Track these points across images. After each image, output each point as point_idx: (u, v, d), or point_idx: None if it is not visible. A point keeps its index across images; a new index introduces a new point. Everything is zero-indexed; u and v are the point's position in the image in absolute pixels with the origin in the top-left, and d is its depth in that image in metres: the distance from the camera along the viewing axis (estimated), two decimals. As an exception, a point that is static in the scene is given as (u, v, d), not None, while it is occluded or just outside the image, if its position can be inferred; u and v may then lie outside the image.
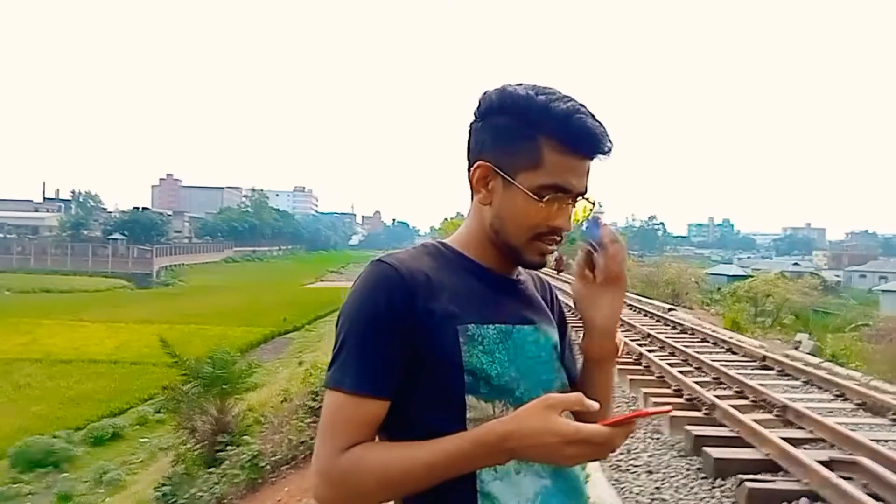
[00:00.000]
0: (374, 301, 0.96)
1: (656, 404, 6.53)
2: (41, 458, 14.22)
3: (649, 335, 11.21)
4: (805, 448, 5.05)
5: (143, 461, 15.00)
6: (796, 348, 11.76)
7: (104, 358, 23.88)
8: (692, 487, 4.69)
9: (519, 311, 1.07)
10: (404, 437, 0.96)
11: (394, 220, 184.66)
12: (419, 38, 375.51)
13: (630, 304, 17.64)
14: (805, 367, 8.48)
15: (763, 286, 23.12)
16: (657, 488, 4.67)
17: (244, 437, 11.30)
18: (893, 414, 6.18)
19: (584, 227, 1.04)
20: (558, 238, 1.04)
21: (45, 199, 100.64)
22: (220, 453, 11.01)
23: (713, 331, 12.56)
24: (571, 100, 0.99)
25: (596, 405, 0.89)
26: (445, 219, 51.89)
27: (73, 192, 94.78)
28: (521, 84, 1.02)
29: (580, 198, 1.02)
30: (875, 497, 4.04)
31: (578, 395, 0.91)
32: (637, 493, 4.57)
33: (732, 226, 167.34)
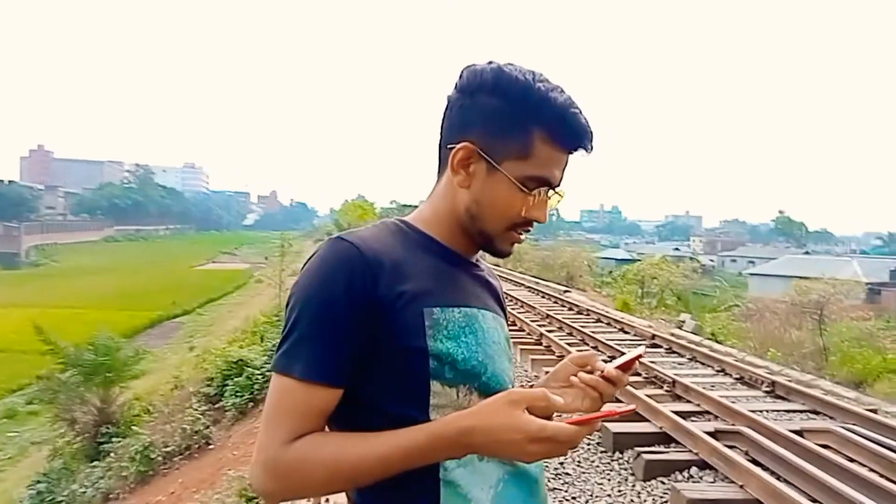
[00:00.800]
0: (332, 281, 0.90)
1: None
2: None
3: (548, 316, 11.62)
4: (693, 420, 5.43)
5: (13, 457, 13.79)
6: (680, 327, 12.63)
7: None
8: (593, 461, 4.91)
9: (482, 297, 1.04)
10: (361, 426, 0.90)
11: (291, 200, 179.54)
12: (316, 8, 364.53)
13: (528, 286, 18.24)
14: (689, 345, 9.11)
15: (649, 269, 24.65)
16: (560, 464, 4.85)
17: (132, 427, 10.63)
18: (766, 386, 6.78)
19: (631, 352, 1.00)
20: (529, 229, 1.01)
21: None
22: (105, 445, 10.33)
23: (606, 311, 13.22)
24: (564, 91, 0.97)
25: (560, 401, 0.87)
26: (346, 200, 51.02)
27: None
28: (514, 66, 0.97)
29: (554, 189, 1.00)
30: (755, 462, 4.41)
31: (543, 390, 0.88)
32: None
33: (620, 212, 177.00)
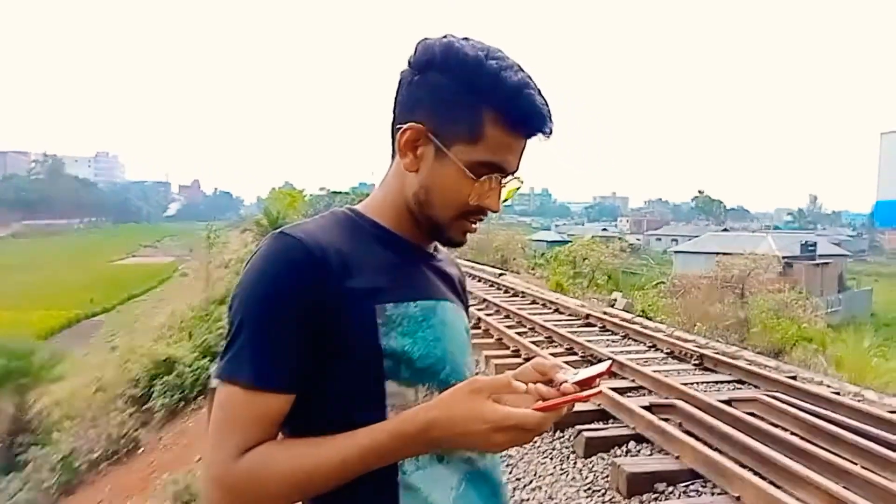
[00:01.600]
0: (277, 281, 0.84)
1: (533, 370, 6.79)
2: None
3: (485, 300, 11.71)
4: (629, 396, 5.59)
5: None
6: (612, 305, 13.02)
7: None
8: (535, 442, 4.97)
9: (440, 288, 0.98)
10: (315, 432, 0.84)
11: (215, 189, 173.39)
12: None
13: (464, 271, 18.31)
14: (622, 323, 9.39)
15: (581, 250, 25.29)
16: (503, 445, 4.89)
17: (51, 435, 10.04)
18: (695, 360, 7.06)
19: (595, 369, 0.88)
20: (483, 217, 0.95)
21: None
22: (22, 456, 9.70)
23: (541, 293, 13.46)
24: (521, 70, 0.89)
25: (524, 387, 0.82)
26: (273, 188, 49.67)
27: None
28: (468, 40, 0.89)
29: (510, 176, 0.93)
30: (689, 433, 4.58)
31: (507, 377, 0.84)
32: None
33: (550, 195, 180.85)
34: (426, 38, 0.92)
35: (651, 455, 4.43)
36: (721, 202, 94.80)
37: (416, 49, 0.92)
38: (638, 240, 64.16)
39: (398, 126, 0.92)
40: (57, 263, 48.09)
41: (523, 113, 0.88)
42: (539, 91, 0.90)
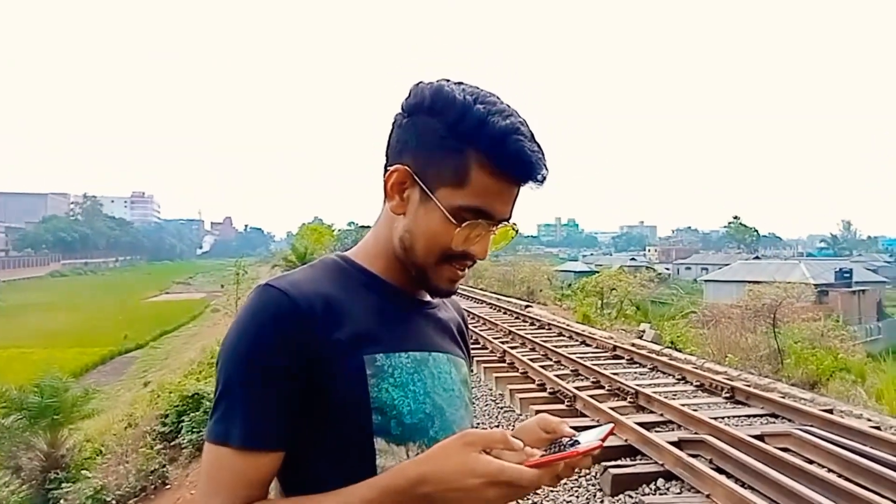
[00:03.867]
0: (261, 336, 0.82)
1: (537, 412, 6.72)
2: None
3: (510, 332, 11.62)
4: (657, 431, 5.45)
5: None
6: (640, 337, 12.79)
7: None
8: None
9: (433, 338, 0.95)
10: (307, 490, 0.82)
11: (246, 225, 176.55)
12: (269, 29, 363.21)
13: (489, 303, 18.26)
14: (650, 355, 9.22)
15: (608, 280, 25.02)
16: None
17: (83, 471, 10.13)
18: (726, 392, 6.88)
19: (594, 430, 0.85)
20: (470, 264, 0.92)
21: None
22: (54, 492, 9.79)
23: (567, 325, 13.32)
24: (512, 115, 0.87)
25: (520, 444, 0.79)
26: (303, 224, 50.42)
27: None
28: (461, 84, 0.89)
29: (502, 223, 0.90)
30: (719, 470, 4.44)
31: (502, 432, 0.80)
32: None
33: (577, 225, 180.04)
34: (420, 82, 0.91)
35: (680, 493, 4.31)
36: (754, 229, 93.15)
37: (409, 92, 0.91)
38: (667, 269, 63.26)
39: (386, 168, 0.92)
40: (93, 301, 49.17)
41: (510, 159, 0.85)
42: (531, 137, 0.87)
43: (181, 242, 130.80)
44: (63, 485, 9.88)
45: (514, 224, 0.93)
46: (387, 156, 0.93)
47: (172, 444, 10.45)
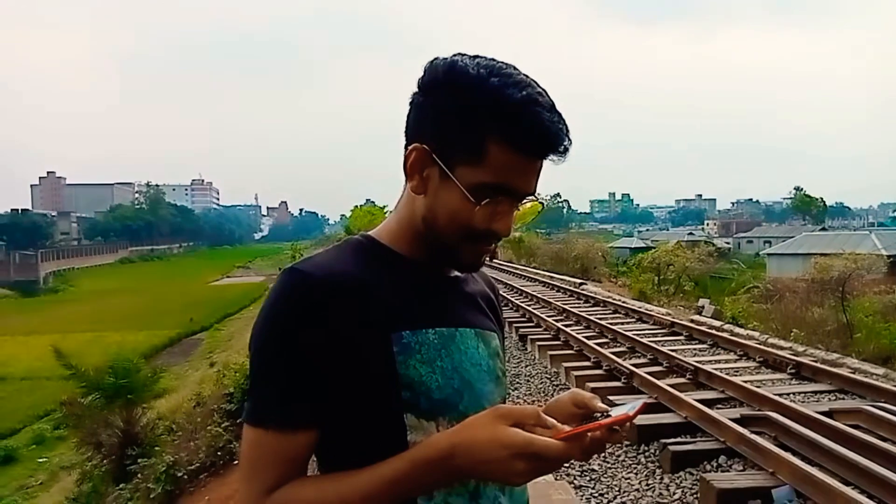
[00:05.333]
0: (286, 318, 0.84)
1: (592, 389, 6.67)
2: None
3: (564, 310, 11.52)
4: (719, 408, 5.33)
5: (44, 483, 13.91)
6: (699, 313, 12.46)
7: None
8: (619, 455, 4.83)
9: (460, 313, 0.95)
10: (344, 467, 0.84)
11: (301, 209, 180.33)
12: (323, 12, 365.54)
13: (543, 281, 18.13)
14: (710, 331, 8.99)
15: (665, 256, 24.40)
16: (586, 460, 4.77)
17: (156, 447, 10.67)
18: (791, 368, 6.65)
19: (625, 405, 0.85)
20: (496, 241, 0.91)
21: None
22: (131, 467, 10.36)
23: (623, 301, 13.10)
24: (529, 86, 0.84)
25: (552, 421, 0.79)
26: (355, 206, 51.07)
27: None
28: (476, 58, 0.87)
29: (527, 198, 0.89)
30: (784, 447, 4.31)
31: (535, 408, 0.80)
32: (568, 466, 4.65)
33: (632, 200, 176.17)
34: (435, 59, 0.89)
35: (743, 471, 4.21)
36: (820, 199, 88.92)
37: (424, 70, 0.89)
38: (727, 243, 61.26)
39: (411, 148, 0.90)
40: (160, 286, 51.40)
41: (528, 132, 0.83)
42: (550, 108, 0.84)
43: (240, 227, 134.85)
44: (139, 460, 10.45)
45: (541, 197, 0.91)
46: (406, 136, 0.91)
47: (238, 421, 10.88)
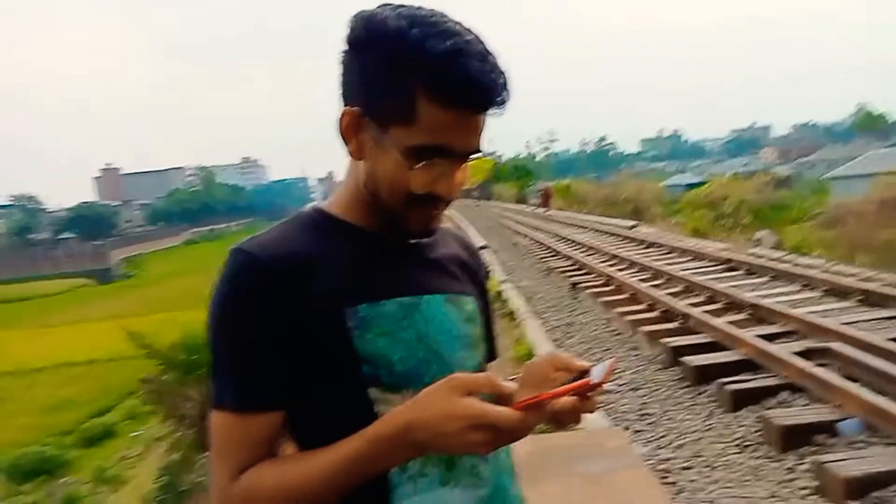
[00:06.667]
0: (236, 300, 0.82)
1: (648, 333, 6.56)
2: (36, 467, 14.14)
3: (615, 255, 11.35)
4: (779, 342, 5.18)
5: (140, 454, 14.96)
6: (757, 245, 12.07)
7: (80, 359, 23.49)
8: (677, 397, 4.79)
9: (424, 280, 0.91)
10: (314, 446, 0.83)
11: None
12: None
13: (594, 229, 17.85)
14: (768, 264, 8.69)
15: (720, 189, 23.61)
16: (643, 403, 4.76)
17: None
18: (859, 296, 6.38)
19: (597, 367, 0.80)
20: (444, 203, 0.86)
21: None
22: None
23: (677, 241, 12.79)
24: (456, 34, 0.78)
25: (511, 387, 0.76)
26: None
27: (12, 197, 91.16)
28: (399, 8, 0.81)
29: (472, 156, 0.84)
30: (851, 379, 4.18)
31: (487, 375, 0.77)
32: (624, 411, 4.65)
33: (681, 136, 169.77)
34: (359, 12, 0.83)
35: (807, 405, 4.10)
36: (884, 115, 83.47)
37: (348, 24, 0.84)
38: (787, 171, 58.57)
39: (341, 111, 0.86)
40: (222, 264, 53.42)
41: (455, 84, 0.77)
42: (480, 57, 0.78)
43: (291, 201, 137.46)
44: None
45: (486, 154, 0.85)
46: (342, 96, 0.86)
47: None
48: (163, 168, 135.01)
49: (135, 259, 67.21)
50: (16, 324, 32.89)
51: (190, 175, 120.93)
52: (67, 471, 14.45)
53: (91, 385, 20.32)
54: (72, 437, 16.09)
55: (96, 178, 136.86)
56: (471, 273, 1.00)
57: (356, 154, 0.86)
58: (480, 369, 0.93)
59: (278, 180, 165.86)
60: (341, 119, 0.85)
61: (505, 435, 0.74)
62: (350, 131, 0.85)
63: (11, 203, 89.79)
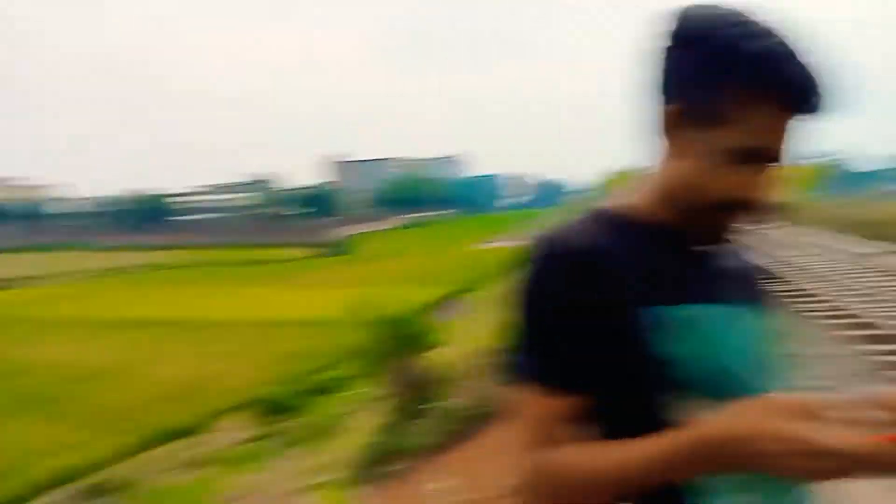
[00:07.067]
0: (552, 285, 0.84)
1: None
2: (273, 407, 16.30)
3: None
4: None
5: (357, 411, 16.49)
6: None
7: (311, 319, 26.11)
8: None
9: (719, 290, 0.89)
10: (606, 439, 0.85)
11: (541, 177, 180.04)
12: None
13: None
14: None
15: None
16: None
17: (439, 392, 12.20)
18: None
19: None
20: (753, 211, 0.85)
21: (233, 184, 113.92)
22: (421, 407, 12.00)
23: None
24: (771, 35, 0.77)
25: (836, 415, 0.71)
26: (609, 172, 49.34)
27: (254, 175, 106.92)
28: (732, 9, 0.80)
29: (781, 162, 0.82)
30: None
31: (807, 401, 0.72)
32: None
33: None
34: (688, 7, 0.83)
35: None
36: None
37: (676, 19, 0.83)
38: None
39: (660, 109, 0.85)
40: (432, 249, 56.20)
41: (775, 85, 0.77)
42: (802, 57, 0.77)
43: (484, 197, 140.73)
44: (427, 402, 12.08)
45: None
46: (656, 92, 0.86)
47: (508, 379, 11.82)
48: (377, 158, 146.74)
49: (358, 237, 74.06)
50: (257, 283, 37.95)
51: (398, 166, 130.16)
52: (296, 414, 16.37)
53: (319, 343, 22.55)
54: (299, 387, 18.01)
55: (322, 164, 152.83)
56: (762, 289, 0.99)
57: (671, 152, 0.86)
58: (776, 389, 0.89)
59: (476, 176, 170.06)
60: (663, 115, 0.85)
61: (848, 466, 0.68)
62: (667, 130, 0.85)
63: (252, 181, 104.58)
